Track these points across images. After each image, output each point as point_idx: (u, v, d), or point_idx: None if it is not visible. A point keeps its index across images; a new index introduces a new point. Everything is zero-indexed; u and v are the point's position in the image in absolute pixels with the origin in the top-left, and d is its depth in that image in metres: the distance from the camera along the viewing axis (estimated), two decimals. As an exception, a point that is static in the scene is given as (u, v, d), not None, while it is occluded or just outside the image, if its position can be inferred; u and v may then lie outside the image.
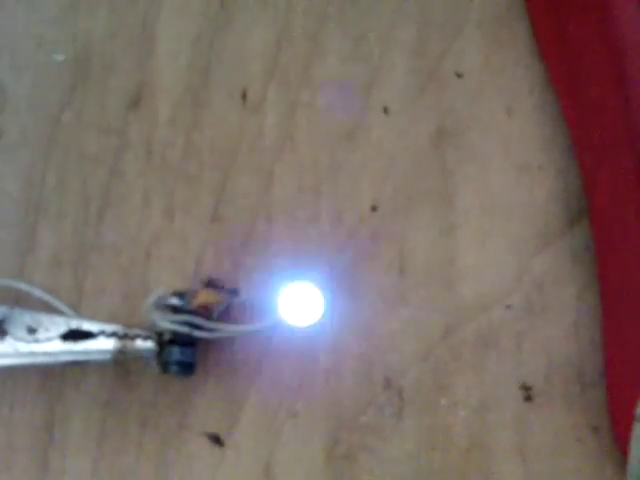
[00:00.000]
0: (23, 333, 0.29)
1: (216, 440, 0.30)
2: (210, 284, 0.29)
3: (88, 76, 0.35)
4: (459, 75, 0.34)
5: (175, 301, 0.29)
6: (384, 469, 0.30)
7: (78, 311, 0.31)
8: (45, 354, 0.28)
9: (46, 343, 0.28)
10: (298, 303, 0.26)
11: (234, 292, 0.30)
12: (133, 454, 0.30)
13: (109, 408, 0.30)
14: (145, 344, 0.28)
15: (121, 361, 0.29)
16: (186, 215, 0.33)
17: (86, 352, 0.28)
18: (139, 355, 0.29)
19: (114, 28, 0.35)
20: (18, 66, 0.35)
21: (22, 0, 0.36)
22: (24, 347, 0.28)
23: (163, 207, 0.33)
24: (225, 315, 0.30)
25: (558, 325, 0.31)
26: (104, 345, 0.28)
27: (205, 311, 0.28)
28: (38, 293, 0.31)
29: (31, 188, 0.33)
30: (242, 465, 0.30)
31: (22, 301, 0.31)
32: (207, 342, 0.30)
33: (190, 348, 0.28)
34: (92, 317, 0.30)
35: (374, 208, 0.33)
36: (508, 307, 0.31)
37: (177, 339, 0.28)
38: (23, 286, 0.31)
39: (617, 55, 0.27)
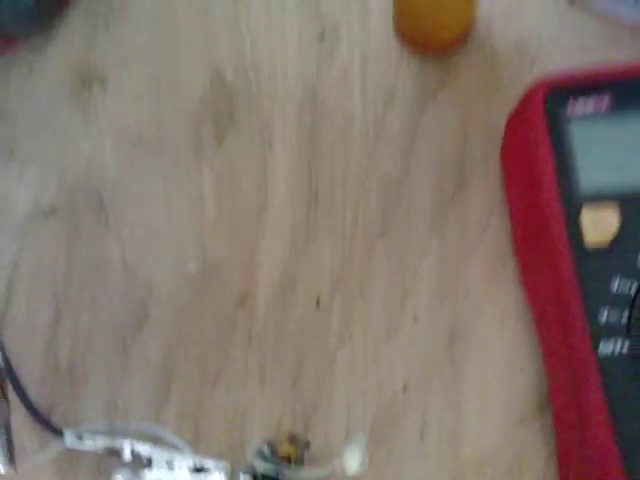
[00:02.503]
0: (164, 465, 0.42)
1: None
2: (291, 439, 0.43)
3: (207, 284, 0.50)
4: (466, 294, 0.49)
5: (266, 449, 0.42)
6: None
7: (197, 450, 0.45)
8: (178, 483, 0.42)
9: (179, 472, 0.42)
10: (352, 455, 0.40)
11: (306, 445, 0.44)
12: None
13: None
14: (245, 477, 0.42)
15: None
16: (273, 386, 0.47)
17: (205, 482, 0.42)
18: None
19: (229, 250, 0.51)
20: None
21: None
22: (165, 476, 0.42)
23: (258, 380, 0.47)
24: (300, 461, 0.43)
25: (532, 483, 0.44)
26: (217, 478, 0.42)
27: (287, 459, 0.42)
28: (169, 437, 0.45)
29: (168, 359, 0.48)
30: None
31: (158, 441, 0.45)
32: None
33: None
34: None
35: (405, 387, 0.47)
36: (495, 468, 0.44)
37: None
38: (160, 431, 0.45)
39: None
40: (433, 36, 0.55)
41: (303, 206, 0.52)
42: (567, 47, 0.56)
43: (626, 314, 0.39)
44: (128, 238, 0.52)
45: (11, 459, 0.42)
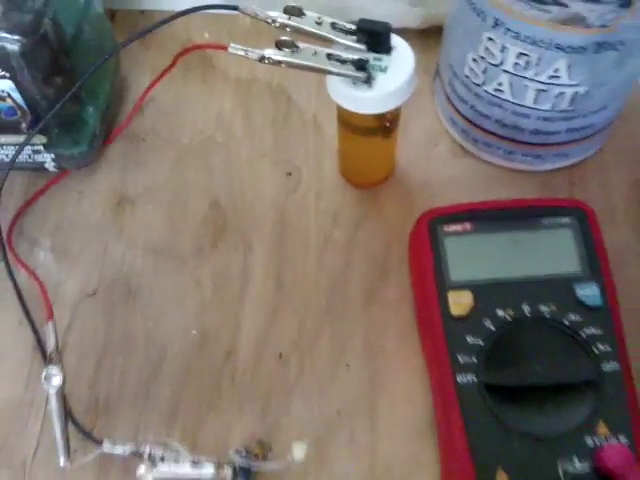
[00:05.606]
0: (172, 460, 0.62)
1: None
2: (260, 443, 0.64)
3: (204, 344, 0.72)
4: (385, 353, 0.71)
5: (243, 450, 0.62)
6: None
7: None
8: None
9: (182, 465, 0.62)
10: (297, 448, 0.60)
11: (270, 447, 0.64)
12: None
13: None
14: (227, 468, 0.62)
15: None
16: (248, 412, 0.67)
17: (201, 471, 0.62)
18: None
19: (219, 320, 0.73)
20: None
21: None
22: (173, 467, 0.62)
23: (238, 408, 0.68)
24: (265, 458, 0.63)
25: None
26: (208, 468, 0.62)
27: (256, 457, 0.62)
28: (176, 444, 0.65)
29: (176, 395, 0.69)
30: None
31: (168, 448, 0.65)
32: None
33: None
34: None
35: (339, 412, 0.67)
36: (400, 466, 0.65)
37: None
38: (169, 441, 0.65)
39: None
40: (366, 179, 0.81)
41: (272, 291, 0.75)
42: (460, 184, 0.81)
43: (474, 358, 0.62)
44: (149, 315, 0.72)
45: (68, 457, 0.61)
